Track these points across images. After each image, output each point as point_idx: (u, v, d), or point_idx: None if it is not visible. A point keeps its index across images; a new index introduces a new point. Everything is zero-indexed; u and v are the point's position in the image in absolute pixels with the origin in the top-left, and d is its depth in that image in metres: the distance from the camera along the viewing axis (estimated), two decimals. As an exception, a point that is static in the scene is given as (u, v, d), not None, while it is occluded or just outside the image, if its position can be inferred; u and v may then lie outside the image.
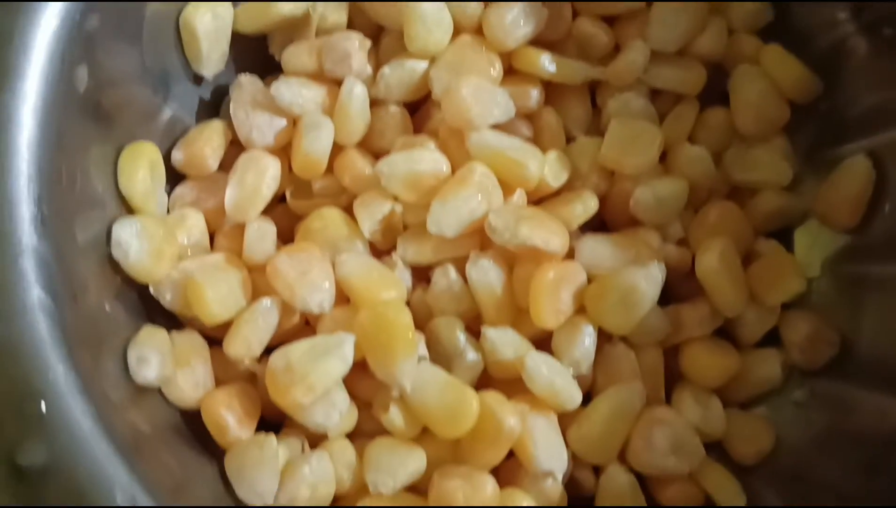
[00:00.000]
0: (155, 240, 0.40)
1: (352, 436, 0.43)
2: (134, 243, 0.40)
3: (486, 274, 0.44)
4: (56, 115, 0.36)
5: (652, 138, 0.47)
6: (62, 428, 0.32)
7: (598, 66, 0.49)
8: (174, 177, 0.46)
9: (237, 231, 0.45)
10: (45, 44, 0.36)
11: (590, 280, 0.44)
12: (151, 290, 0.42)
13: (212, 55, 0.46)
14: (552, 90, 0.49)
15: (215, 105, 0.48)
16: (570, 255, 0.45)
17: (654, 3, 0.49)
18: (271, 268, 0.43)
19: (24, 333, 0.33)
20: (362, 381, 0.42)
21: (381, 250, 0.46)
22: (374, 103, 0.47)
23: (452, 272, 0.44)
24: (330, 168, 0.46)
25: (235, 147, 0.46)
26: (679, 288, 0.48)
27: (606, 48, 0.50)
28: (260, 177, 0.44)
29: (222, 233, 0.45)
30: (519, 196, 0.46)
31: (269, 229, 0.44)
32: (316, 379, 0.39)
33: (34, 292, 0.33)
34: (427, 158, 0.44)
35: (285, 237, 0.46)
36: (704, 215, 0.49)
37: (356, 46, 0.46)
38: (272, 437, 0.40)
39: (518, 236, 0.42)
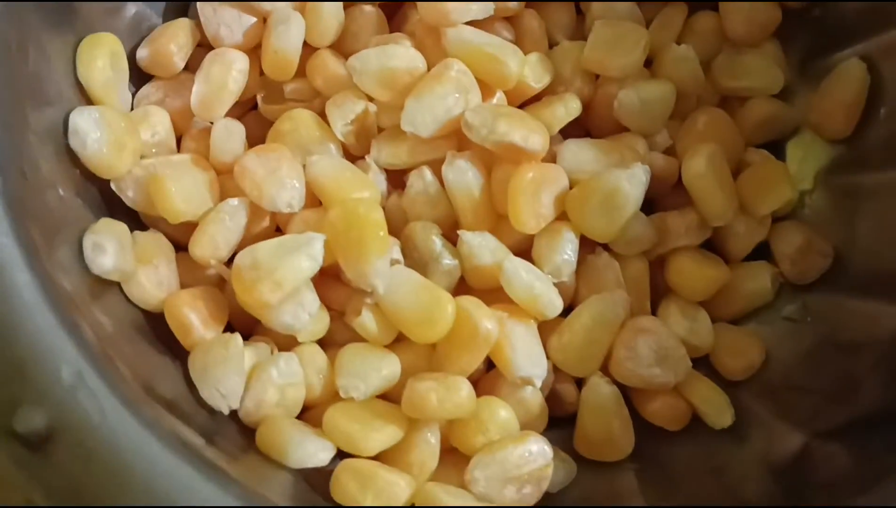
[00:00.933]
0: (115, 131, 0.39)
1: (323, 345, 0.42)
2: (92, 132, 0.38)
3: (464, 175, 0.42)
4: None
5: (637, 39, 0.46)
6: (3, 300, 0.30)
7: None
8: (140, 79, 0.44)
9: (205, 134, 0.43)
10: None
11: (572, 186, 0.43)
12: (113, 186, 0.40)
13: None
14: None
15: (183, 6, 0.47)
16: (552, 160, 0.44)
17: None
18: (238, 167, 0.41)
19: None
20: (335, 290, 0.41)
21: (354, 155, 0.45)
22: (348, 4, 0.46)
23: (428, 174, 0.43)
24: (302, 71, 0.45)
25: (204, 49, 0.45)
26: (665, 200, 0.47)
27: None
28: (226, 71, 0.43)
29: (189, 135, 0.44)
30: (499, 98, 0.44)
31: (236, 128, 0.43)
32: (283, 276, 0.38)
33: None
34: (401, 54, 0.43)
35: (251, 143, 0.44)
36: (692, 123, 0.47)
37: None
38: (237, 336, 0.39)
39: (496, 133, 0.41)
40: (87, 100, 0.40)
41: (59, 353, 0.30)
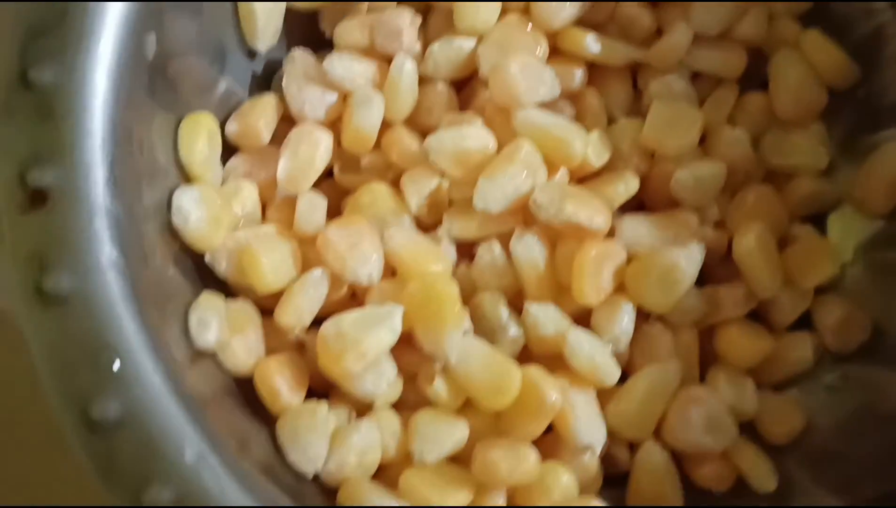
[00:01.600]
0: (213, 208, 0.41)
1: (396, 407, 0.44)
2: (194, 211, 0.41)
3: (530, 250, 0.45)
4: (127, 79, 0.37)
5: (693, 121, 0.48)
6: (135, 384, 0.33)
7: (641, 48, 0.50)
8: (227, 149, 0.47)
9: (288, 204, 0.45)
10: (119, 9, 0.36)
11: (629, 260, 0.45)
12: (207, 258, 0.43)
13: (266, 31, 0.47)
14: (595, 71, 0.49)
15: (267, 79, 0.49)
16: (611, 234, 0.46)
17: None
18: (322, 239, 0.44)
19: (98, 289, 0.34)
20: (407, 354, 0.43)
21: (426, 225, 0.47)
22: (422, 80, 0.48)
23: (497, 248, 0.45)
24: (378, 144, 0.47)
25: (286, 122, 0.47)
26: (715, 270, 0.49)
27: (649, 30, 0.50)
28: (313, 150, 0.45)
29: (274, 205, 0.46)
30: (562, 174, 0.47)
31: (320, 202, 0.45)
32: (367, 347, 0.40)
33: (108, 250, 0.34)
34: (474, 135, 0.45)
35: (331, 212, 0.47)
36: (742, 199, 0.49)
37: (407, 23, 0.46)
38: (324, 404, 0.41)
39: (563, 213, 0.43)
40: (186, 176, 0.43)
41: (183, 434, 0.33)
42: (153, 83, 0.40)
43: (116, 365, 0.33)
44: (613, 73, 0.50)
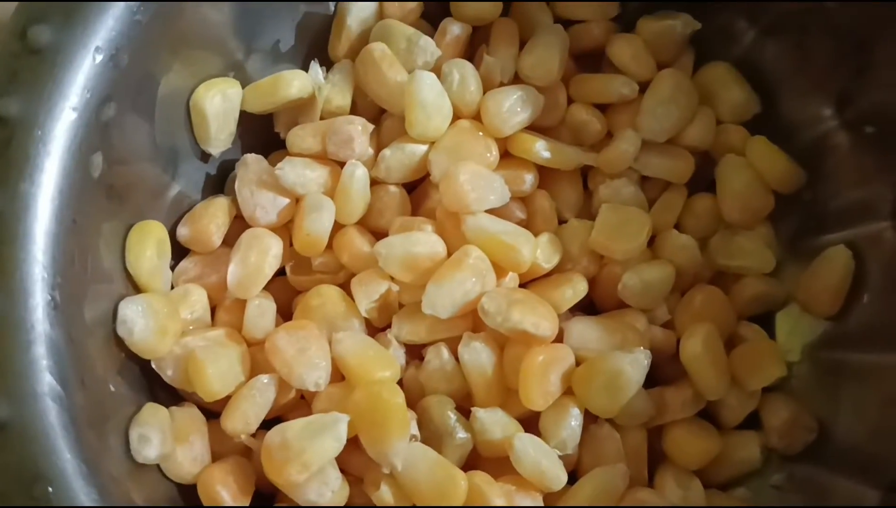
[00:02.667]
0: (159, 317, 0.42)
1: (343, 510, 0.44)
2: (139, 322, 0.41)
3: (478, 355, 0.45)
4: (72, 201, 0.37)
5: (641, 225, 0.49)
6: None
7: (591, 151, 0.51)
8: (178, 250, 0.47)
9: (238, 305, 0.46)
10: (64, 134, 0.37)
11: (578, 361, 0.46)
12: (153, 365, 0.43)
13: (220, 135, 0.47)
14: (546, 173, 0.50)
15: (221, 180, 0.49)
16: (560, 336, 0.46)
17: (646, 94, 0.51)
18: (270, 345, 0.44)
19: (34, 418, 0.34)
20: (353, 457, 0.43)
21: (376, 328, 0.47)
22: (375, 183, 0.48)
23: (445, 352, 0.46)
24: (329, 245, 0.47)
25: (239, 222, 0.48)
26: (663, 369, 0.50)
27: (599, 135, 0.52)
28: (262, 256, 0.45)
29: (223, 307, 0.47)
30: (511, 279, 0.47)
31: (268, 307, 0.46)
32: (310, 457, 0.40)
33: (45, 379, 0.34)
34: (424, 241, 0.46)
35: (283, 310, 0.47)
36: (690, 300, 0.50)
37: (359, 131, 0.47)
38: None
39: (510, 321, 0.44)
40: (133, 285, 0.43)
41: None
42: (101, 198, 0.40)
43: (50, 492, 0.32)
44: (564, 175, 0.51)
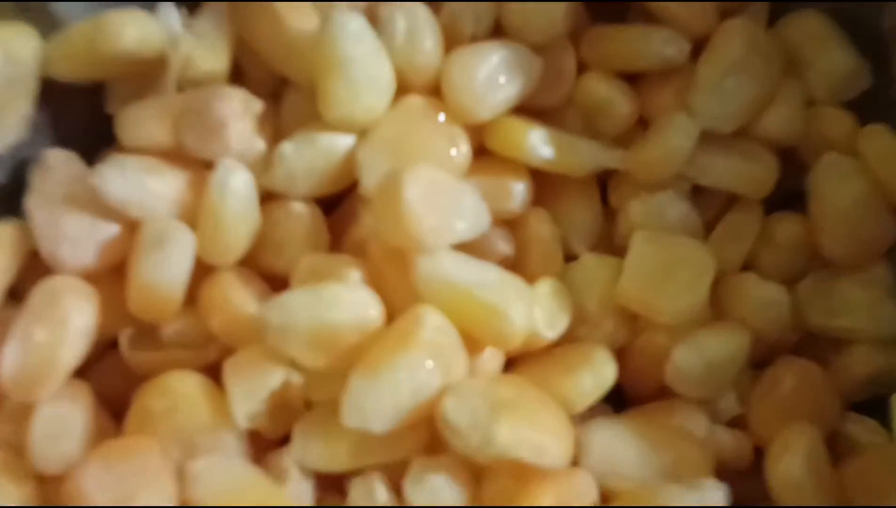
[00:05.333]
0: None
1: None
2: None
3: (437, 496, 0.31)
4: None
5: (700, 269, 0.36)
6: None
7: (615, 147, 0.39)
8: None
9: (23, 413, 0.31)
10: None
11: (604, 497, 0.33)
12: None
13: (3, 116, 0.35)
14: (545, 184, 0.39)
15: (11, 194, 0.36)
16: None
17: (702, 58, 0.38)
18: (72, 487, 0.30)
19: None
20: None
21: (266, 441, 0.33)
22: (269, 198, 0.36)
23: (380, 489, 0.32)
24: (191, 299, 0.35)
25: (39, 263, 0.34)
26: (735, 488, 0.36)
27: (628, 121, 0.40)
28: (59, 330, 0.31)
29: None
30: (491, 358, 0.34)
31: (73, 420, 0.31)
32: None
33: None
34: (346, 299, 0.32)
35: (115, 408, 0.33)
36: (775, 384, 0.37)
37: (235, 110, 0.34)
38: None
39: (493, 445, 0.30)
40: None
41: None
42: None
43: None
44: (573, 185, 0.39)
